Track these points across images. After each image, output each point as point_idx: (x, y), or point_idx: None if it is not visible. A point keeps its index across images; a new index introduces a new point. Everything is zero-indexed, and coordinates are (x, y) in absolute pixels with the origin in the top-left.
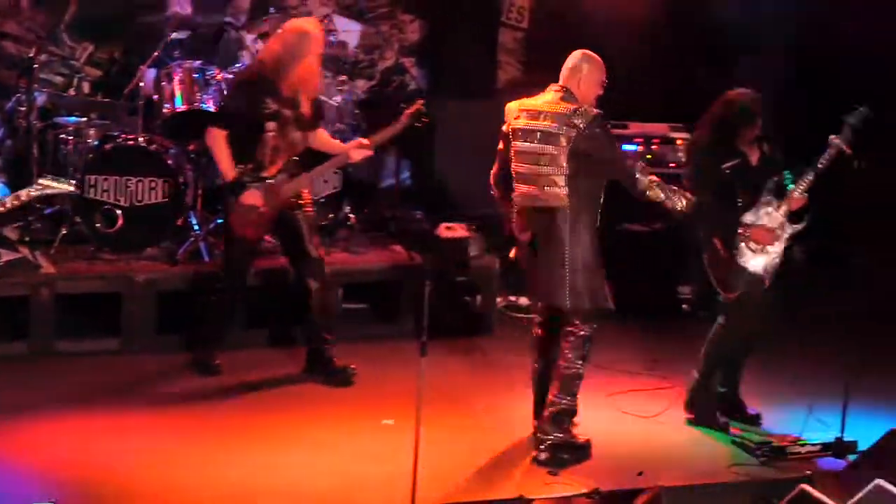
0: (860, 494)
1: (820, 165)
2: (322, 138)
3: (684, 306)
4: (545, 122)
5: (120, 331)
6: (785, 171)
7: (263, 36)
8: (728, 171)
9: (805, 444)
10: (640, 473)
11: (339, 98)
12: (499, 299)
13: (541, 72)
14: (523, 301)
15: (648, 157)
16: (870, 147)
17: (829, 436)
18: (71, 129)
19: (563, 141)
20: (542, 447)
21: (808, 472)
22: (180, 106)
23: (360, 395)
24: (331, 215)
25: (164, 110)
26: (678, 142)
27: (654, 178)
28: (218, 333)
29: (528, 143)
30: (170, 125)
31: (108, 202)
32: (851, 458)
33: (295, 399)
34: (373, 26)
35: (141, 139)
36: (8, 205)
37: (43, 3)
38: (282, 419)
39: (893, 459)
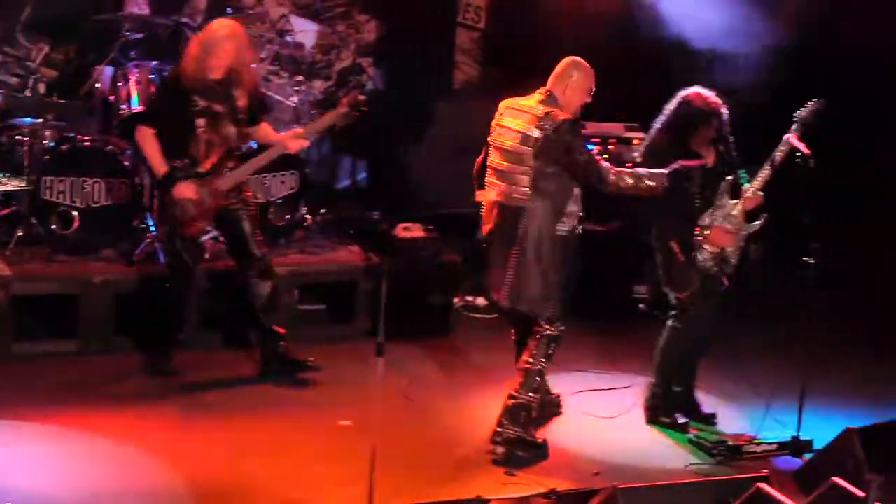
0: (816, 493)
1: (773, 162)
2: (263, 132)
3: (641, 306)
4: (520, 123)
5: (77, 332)
6: (740, 170)
7: None
8: (688, 185)
9: (761, 444)
10: (596, 473)
11: (295, 98)
12: (456, 300)
13: (498, 72)
14: (480, 301)
15: (605, 156)
16: (828, 145)
17: (785, 435)
18: (27, 130)
19: (532, 142)
20: (497, 440)
21: (765, 471)
22: (137, 106)
23: (317, 396)
24: (287, 216)
25: (121, 111)
26: (634, 141)
27: (622, 170)
28: (173, 334)
29: (502, 141)
30: (126, 126)
31: (64, 203)
32: (807, 456)
33: (251, 400)
34: (329, 27)
35: (97, 140)
36: None
37: None
38: (238, 420)
39: (849, 458)
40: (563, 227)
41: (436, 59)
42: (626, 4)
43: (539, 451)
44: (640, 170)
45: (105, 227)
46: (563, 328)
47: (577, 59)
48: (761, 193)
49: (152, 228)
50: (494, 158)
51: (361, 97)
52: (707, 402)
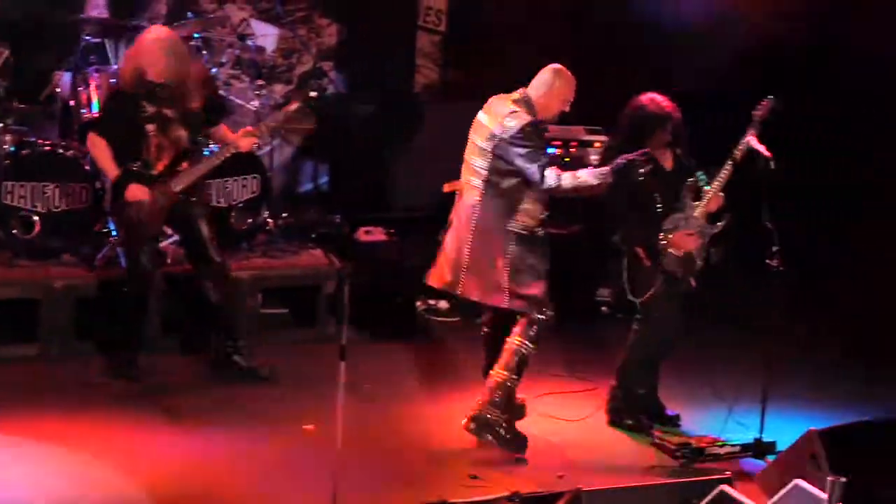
0: (779, 495)
1: (733, 161)
2: (221, 133)
3: (604, 308)
4: (490, 119)
5: (38, 337)
6: (698, 172)
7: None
8: (642, 179)
9: (724, 445)
10: (560, 476)
11: (256, 102)
12: (419, 303)
13: (458, 75)
14: (443, 305)
15: (567, 159)
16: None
17: (749, 436)
18: None
19: (494, 139)
20: (470, 413)
21: (728, 472)
22: (98, 111)
23: (280, 401)
24: (249, 220)
25: (82, 115)
26: (595, 144)
27: (564, 172)
28: (133, 338)
29: (475, 135)
30: (87, 130)
31: (24, 208)
32: (770, 458)
33: (213, 404)
34: (290, 31)
35: (58, 145)
36: None
37: None
38: (200, 425)
39: (811, 460)
40: (514, 225)
41: (397, 63)
42: (588, 5)
43: (511, 445)
44: (583, 171)
45: (66, 231)
46: (549, 314)
47: (561, 67)
48: (722, 194)
49: (113, 233)
50: (466, 151)
51: (312, 94)
52: (670, 403)
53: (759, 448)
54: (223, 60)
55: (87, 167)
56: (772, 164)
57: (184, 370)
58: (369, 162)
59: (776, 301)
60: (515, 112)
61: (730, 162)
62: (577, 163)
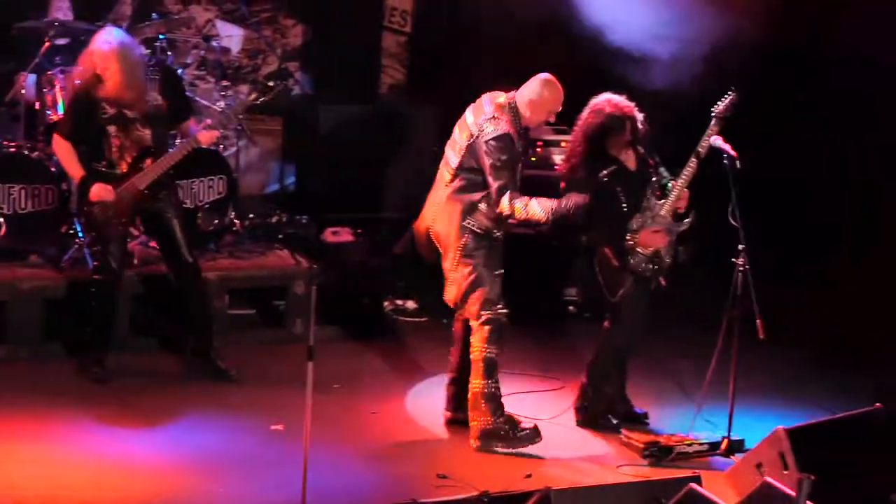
0: (748, 493)
1: (697, 157)
2: (185, 129)
3: (571, 308)
4: (473, 117)
5: (6, 338)
6: (661, 170)
7: (146, 41)
8: (606, 179)
9: (693, 444)
10: (528, 475)
11: (222, 103)
12: (386, 303)
13: (424, 75)
14: (410, 305)
15: (533, 159)
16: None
17: (717, 435)
18: None
19: (469, 138)
20: (472, 434)
21: (697, 471)
22: (63, 112)
23: (249, 401)
24: (216, 221)
25: (47, 117)
26: (562, 144)
27: (522, 198)
28: (102, 339)
29: (456, 129)
30: (52, 132)
31: None
32: (739, 456)
33: (183, 405)
34: (255, 31)
35: (23, 147)
36: None
37: None
38: (168, 425)
39: (779, 458)
40: (471, 222)
41: (362, 63)
42: (553, 7)
43: (524, 440)
44: (535, 202)
45: (32, 233)
46: (497, 311)
47: (550, 78)
48: (687, 191)
49: (80, 234)
50: (448, 143)
51: (270, 83)
52: (638, 402)
53: (728, 446)
54: (188, 61)
55: (52, 169)
56: (737, 164)
57: (153, 371)
58: (335, 162)
59: (743, 299)
60: (497, 119)
61: (694, 159)
62: (543, 162)
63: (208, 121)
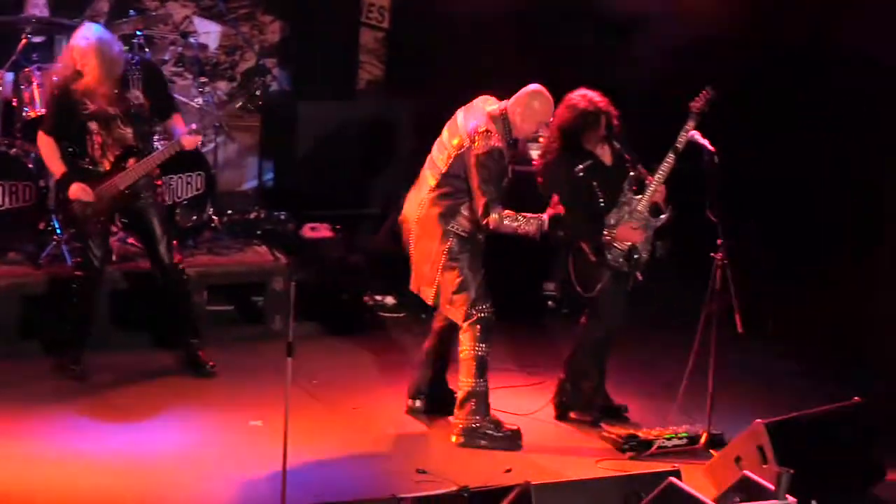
0: (727, 486)
1: (675, 152)
2: (170, 126)
3: (550, 303)
4: (464, 122)
5: None
6: (638, 164)
7: (123, 38)
8: (582, 175)
9: (672, 438)
10: (508, 470)
11: (200, 100)
12: (365, 298)
13: (402, 71)
14: (390, 300)
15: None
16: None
17: (696, 429)
18: None
19: (458, 147)
20: (454, 431)
21: (676, 465)
22: (41, 109)
23: (228, 397)
24: (194, 217)
25: (25, 114)
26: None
27: (506, 213)
28: (81, 336)
29: (446, 131)
30: (30, 129)
31: None
32: (718, 450)
33: (162, 401)
34: (233, 27)
35: (1, 144)
36: None
37: None
38: (147, 423)
39: (759, 452)
40: (454, 225)
41: (340, 59)
42: (531, 1)
43: (505, 441)
44: (522, 218)
45: (10, 230)
46: (484, 309)
47: (540, 90)
48: (664, 186)
49: (58, 231)
50: (436, 143)
51: (258, 92)
52: (618, 396)
53: (707, 440)
54: (166, 58)
55: (30, 165)
56: (716, 159)
57: (131, 367)
58: (313, 158)
59: (722, 294)
60: (488, 133)
61: (671, 154)
62: (520, 158)
63: (193, 125)
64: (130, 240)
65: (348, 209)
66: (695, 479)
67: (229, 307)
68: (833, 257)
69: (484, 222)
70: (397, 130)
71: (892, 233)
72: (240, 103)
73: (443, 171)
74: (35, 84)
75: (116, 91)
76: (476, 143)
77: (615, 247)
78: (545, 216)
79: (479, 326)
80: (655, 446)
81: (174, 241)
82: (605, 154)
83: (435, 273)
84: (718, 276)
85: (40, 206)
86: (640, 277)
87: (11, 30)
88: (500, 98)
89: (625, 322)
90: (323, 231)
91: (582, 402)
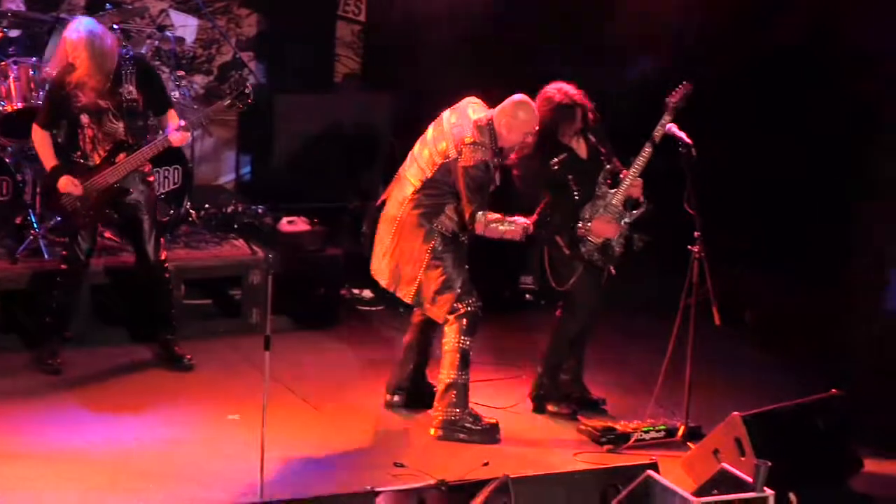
0: (705, 479)
1: (649, 147)
2: (166, 123)
3: (527, 296)
4: (450, 127)
5: None
6: (613, 157)
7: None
8: (557, 168)
9: (650, 431)
10: (485, 463)
11: (177, 93)
12: (343, 292)
13: (379, 64)
14: (367, 294)
15: None
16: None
17: (673, 422)
18: None
19: (444, 156)
20: (434, 423)
21: (653, 457)
22: (17, 103)
23: (205, 391)
24: (171, 211)
25: (1, 108)
26: None
27: (492, 216)
28: (60, 330)
29: (432, 130)
30: (7, 123)
31: None
32: (695, 443)
33: (140, 395)
34: (209, 21)
35: None
36: None
37: None
38: (126, 416)
39: (736, 444)
40: (438, 226)
41: (317, 53)
42: None
43: (484, 435)
44: (508, 223)
45: None
46: (476, 303)
47: (525, 100)
48: (640, 179)
49: (35, 225)
50: (416, 144)
51: (246, 89)
52: (595, 389)
53: (685, 433)
54: (143, 51)
55: (7, 160)
56: (693, 151)
57: (109, 361)
58: (290, 152)
59: (699, 287)
60: (477, 145)
61: (647, 148)
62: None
63: (182, 122)
64: (107, 234)
65: (325, 202)
66: (673, 472)
67: (207, 301)
68: (811, 249)
69: (470, 227)
70: (374, 124)
71: (869, 225)
72: (228, 102)
73: (428, 176)
74: (11, 78)
75: (109, 85)
76: (463, 156)
77: (589, 240)
78: (530, 221)
79: (465, 320)
80: (633, 439)
81: (161, 239)
82: (580, 147)
83: (417, 272)
84: (696, 268)
85: (17, 200)
86: (613, 272)
87: None
88: (484, 100)
89: (599, 315)
90: (300, 224)
91: (559, 395)
